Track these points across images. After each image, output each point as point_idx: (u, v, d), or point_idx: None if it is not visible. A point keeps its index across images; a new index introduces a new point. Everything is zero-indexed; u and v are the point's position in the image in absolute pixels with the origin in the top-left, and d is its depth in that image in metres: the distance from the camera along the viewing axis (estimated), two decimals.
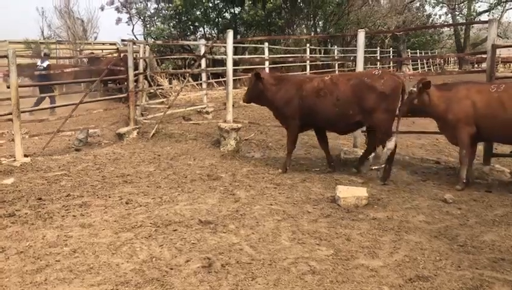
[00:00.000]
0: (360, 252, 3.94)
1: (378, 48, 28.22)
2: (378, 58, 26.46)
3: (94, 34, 35.13)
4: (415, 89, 5.98)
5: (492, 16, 37.97)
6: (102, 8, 24.42)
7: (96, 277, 3.49)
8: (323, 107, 6.18)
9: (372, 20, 24.32)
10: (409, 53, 32.34)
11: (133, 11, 21.93)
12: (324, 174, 6.55)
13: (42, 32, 36.84)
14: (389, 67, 30.39)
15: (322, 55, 21.78)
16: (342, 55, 23.28)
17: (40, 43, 27.64)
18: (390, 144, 5.94)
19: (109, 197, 5.54)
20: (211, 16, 20.78)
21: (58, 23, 32.26)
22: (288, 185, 6.03)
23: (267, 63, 14.69)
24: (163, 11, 21.33)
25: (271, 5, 19.25)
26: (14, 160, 7.13)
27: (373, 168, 6.59)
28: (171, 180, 6.27)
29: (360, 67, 7.08)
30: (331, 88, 6.15)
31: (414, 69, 32.94)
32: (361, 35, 7.05)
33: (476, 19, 33.80)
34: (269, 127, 9.24)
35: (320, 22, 23.89)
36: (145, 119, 10.36)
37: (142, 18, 21.86)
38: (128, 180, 6.33)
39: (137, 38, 21.00)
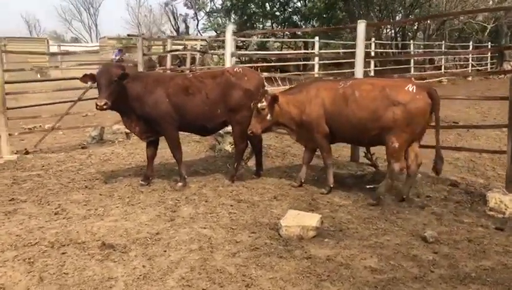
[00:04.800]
0: None
1: (471, 43, 25.21)
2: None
3: (195, 31, 36.54)
4: (264, 105, 5.36)
5: None
6: (167, 4, 24.85)
7: None
8: (194, 105, 5.72)
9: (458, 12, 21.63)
10: None
11: (196, 6, 21.91)
12: (304, 191, 5.57)
13: (149, 29, 39.23)
14: (486, 64, 27.22)
15: (394, 50, 19.88)
16: (422, 50, 21.03)
17: (129, 38, 29.26)
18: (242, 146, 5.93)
19: (49, 204, 5.14)
20: (273, 9, 19.99)
21: (161, 20, 34.12)
22: (251, 202, 5.16)
23: (316, 59, 13.53)
24: (226, 6, 21.02)
25: None
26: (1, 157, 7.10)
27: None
28: (131, 189, 5.73)
29: (359, 63, 5.90)
30: (200, 86, 5.74)
31: None
32: (361, 27, 5.86)
33: None
34: (271, 134, 8.17)
35: (397, 15, 21.82)
36: None
37: (205, 12, 21.79)
38: (91, 185, 5.90)
39: (201, 34, 20.99)
